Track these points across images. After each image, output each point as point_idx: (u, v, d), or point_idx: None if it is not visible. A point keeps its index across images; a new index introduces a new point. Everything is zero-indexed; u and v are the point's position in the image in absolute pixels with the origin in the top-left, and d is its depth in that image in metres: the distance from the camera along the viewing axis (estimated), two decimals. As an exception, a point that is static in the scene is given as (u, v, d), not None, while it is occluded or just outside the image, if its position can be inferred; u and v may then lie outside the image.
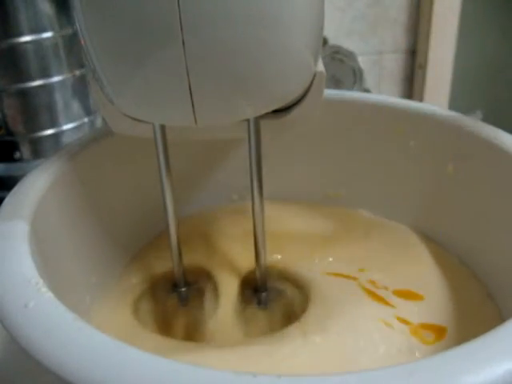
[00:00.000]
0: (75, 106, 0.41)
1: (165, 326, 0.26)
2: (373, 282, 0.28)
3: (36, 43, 0.37)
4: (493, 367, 0.14)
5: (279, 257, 0.31)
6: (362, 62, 0.60)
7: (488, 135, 0.27)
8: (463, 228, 0.30)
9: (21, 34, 0.36)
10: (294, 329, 0.25)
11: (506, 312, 0.26)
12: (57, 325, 0.16)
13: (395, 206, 0.33)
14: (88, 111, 0.42)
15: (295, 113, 0.24)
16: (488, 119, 0.31)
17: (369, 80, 0.63)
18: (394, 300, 0.27)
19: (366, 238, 0.32)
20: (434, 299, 0.27)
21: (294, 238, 0.32)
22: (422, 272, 0.29)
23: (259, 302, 0.28)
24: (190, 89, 0.18)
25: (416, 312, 0.26)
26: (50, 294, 0.18)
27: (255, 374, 0.14)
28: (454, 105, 0.88)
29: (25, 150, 0.40)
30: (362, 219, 0.34)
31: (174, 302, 0.28)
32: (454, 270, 0.29)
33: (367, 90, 0.63)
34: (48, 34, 0.37)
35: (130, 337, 0.25)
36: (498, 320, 0.26)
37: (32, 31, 0.36)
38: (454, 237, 0.30)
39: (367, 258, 0.30)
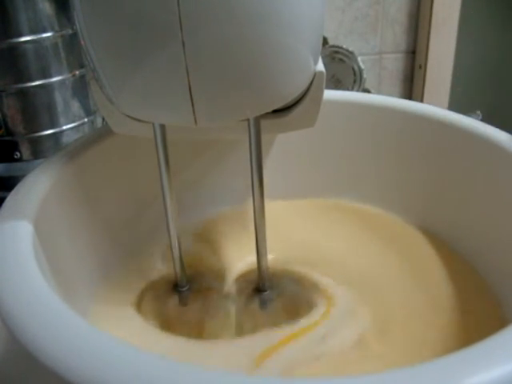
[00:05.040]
0: (75, 106, 0.41)
1: (166, 326, 0.26)
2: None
3: (36, 43, 0.37)
4: (495, 371, 0.14)
5: (279, 256, 0.31)
6: (362, 61, 0.60)
7: (488, 135, 0.27)
8: (463, 228, 0.30)
9: (21, 34, 0.36)
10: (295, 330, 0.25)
11: (507, 310, 0.26)
12: (57, 324, 0.16)
13: (396, 204, 0.33)
14: (88, 111, 0.42)
15: (295, 113, 0.24)
16: (488, 119, 0.31)
17: (369, 80, 0.63)
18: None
19: (368, 236, 0.32)
20: (435, 298, 0.27)
21: (295, 237, 0.32)
22: (426, 270, 0.29)
23: (260, 302, 0.28)
24: (189, 89, 0.18)
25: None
26: (51, 294, 0.18)
27: (255, 375, 0.14)
28: (453, 105, 0.88)
29: (25, 150, 0.40)
30: (364, 217, 0.34)
31: (175, 301, 0.28)
32: (459, 269, 0.29)
33: (367, 90, 0.63)
34: (48, 34, 0.37)
35: (131, 335, 0.25)
36: (500, 319, 0.26)
37: (32, 31, 0.36)
38: (456, 235, 0.30)
39: (367, 258, 0.30)
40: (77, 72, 0.40)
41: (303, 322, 0.26)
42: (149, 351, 0.15)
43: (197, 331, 0.26)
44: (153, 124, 0.23)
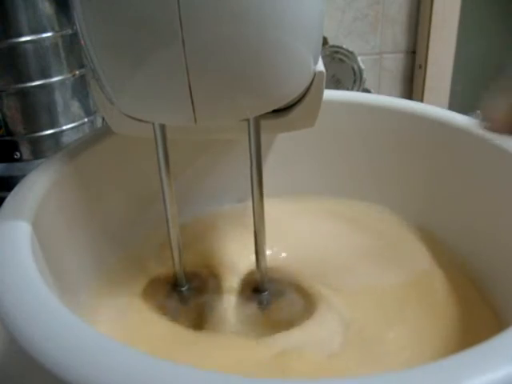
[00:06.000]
0: (75, 106, 0.41)
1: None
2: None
3: (36, 43, 0.37)
4: (492, 373, 0.14)
5: (279, 256, 0.31)
6: (362, 61, 0.60)
7: (487, 135, 0.27)
8: (463, 229, 0.30)
9: (21, 34, 0.36)
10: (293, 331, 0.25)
11: (505, 312, 0.26)
12: (56, 325, 0.16)
13: (396, 203, 0.33)
14: (88, 111, 0.42)
15: (295, 112, 0.24)
16: (488, 119, 0.31)
17: (369, 80, 0.63)
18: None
19: (367, 236, 0.32)
20: (433, 301, 0.27)
21: (294, 236, 0.32)
22: (424, 272, 0.29)
23: (259, 302, 0.28)
24: (189, 88, 0.18)
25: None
26: (50, 294, 0.18)
27: (257, 378, 0.14)
28: (453, 105, 0.88)
29: (25, 150, 0.40)
30: (363, 216, 0.34)
31: (175, 301, 0.28)
32: (457, 271, 0.29)
33: (367, 90, 0.63)
34: (48, 34, 0.37)
35: (129, 335, 0.25)
36: (498, 321, 0.26)
37: (32, 31, 0.36)
38: (455, 236, 0.30)
39: (365, 259, 0.30)
40: (77, 72, 0.40)
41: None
42: (145, 352, 0.15)
43: (195, 330, 0.26)
44: (153, 124, 0.23)
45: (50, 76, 0.38)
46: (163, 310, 0.27)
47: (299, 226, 0.33)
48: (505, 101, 0.24)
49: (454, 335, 0.25)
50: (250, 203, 0.25)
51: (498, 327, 0.25)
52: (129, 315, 0.27)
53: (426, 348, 0.24)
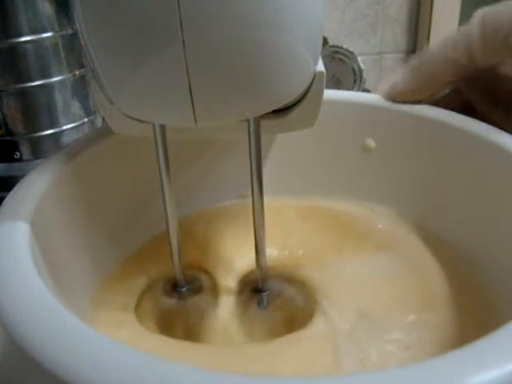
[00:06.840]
0: (75, 106, 0.41)
1: (164, 326, 0.26)
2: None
3: (36, 43, 0.37)
4: (495, 368, 0.14)
5: (281, 255, 0.31)
6: (362, 61, 0.60)
7: (487, 134, 0.27)
8: (463, 228, 0.30)
9: (21, 34, 0.36)
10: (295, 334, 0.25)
11: (504, 308, 0.26)
12: (56, 325, 0.16)
13: (395, 203, 0.33)
14: (88, 111, 0.42)
15: (295, 113, 0.24)
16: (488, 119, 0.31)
17: (369, 80, 0.63)
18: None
19: (366, 235, 0.32)
20: (432, 298, 0.27)
21: (294, 237, 0.32)
22: (423, 269, 0.29)
23: (259, 303, 0.28)
24: (189, 89, 0.18)
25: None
26: (49, 294, 0.18)
27: (258, 377, 0.14)
28: (453, 105, 0.88)
29: (25, 150, 0.40)
30: (363, 216, 0.34)
31: (174, 302, 0.28)
32: (457, 269, 0.29)
33: (367, 90, 0.63)
34: (48, 34, 0.37)
35: (130, 337, 0.25)
36: (498, 318, 0.26)
37: (32, 31, 0.36)
38: (455, 235, 0.30)
39: (364, 258, 0.30)
40: (77, 72, 0.40)
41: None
42: (147, 352, 0.15)
43: (195, 332, 0.26)
44: (153, 124, 0.23)
45: (50, 76, 0.38)
46: (162, 312, 0.27)
47: (299, 226, 0.33)
48: (404, 68, 0.28)
49: (452, 330, 0.25)
50: (250, 201, 0.25)
51: (495, 321, 0.25)
52: (127, 317, 0.27)
53: (425, 341, 0.24)
